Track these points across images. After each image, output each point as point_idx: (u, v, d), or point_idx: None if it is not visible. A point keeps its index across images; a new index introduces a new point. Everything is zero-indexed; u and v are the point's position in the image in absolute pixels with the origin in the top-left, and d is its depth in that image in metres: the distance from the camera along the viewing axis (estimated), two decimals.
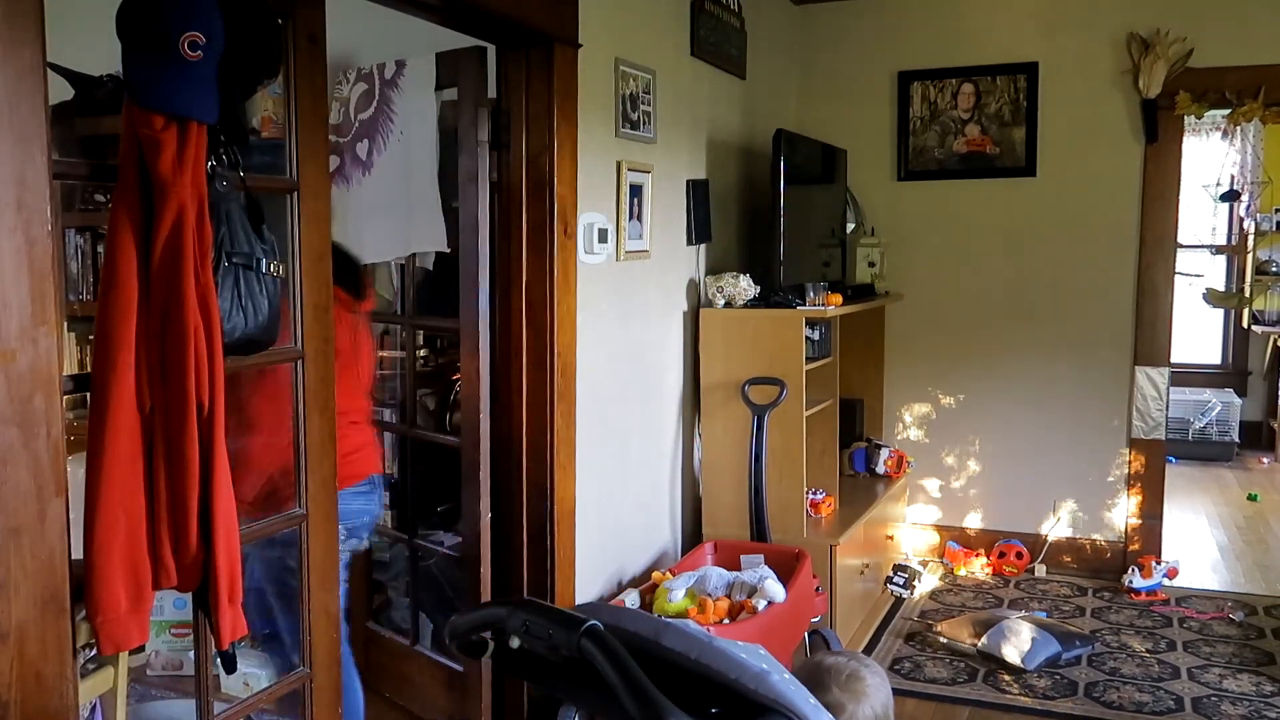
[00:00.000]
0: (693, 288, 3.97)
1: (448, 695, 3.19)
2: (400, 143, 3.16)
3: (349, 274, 2.72)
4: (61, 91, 3.05)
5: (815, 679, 1.73)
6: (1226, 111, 4.46)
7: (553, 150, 2.96)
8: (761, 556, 3.40)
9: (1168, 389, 4.63)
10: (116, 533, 1.73)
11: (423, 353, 3.53)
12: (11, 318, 1.55)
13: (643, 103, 3.47)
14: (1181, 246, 4.85)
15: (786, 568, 3.29)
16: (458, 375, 3.15)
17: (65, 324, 3.26)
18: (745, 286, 3.86)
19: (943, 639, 3.92)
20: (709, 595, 3.11)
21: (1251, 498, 6.16)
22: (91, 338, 1.76)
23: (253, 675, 3.14)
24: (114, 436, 1.72)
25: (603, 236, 3.23)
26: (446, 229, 3.07)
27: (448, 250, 3.08)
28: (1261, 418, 7.54)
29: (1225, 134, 5.81)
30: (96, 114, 2.97)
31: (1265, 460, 7.14)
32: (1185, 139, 4.60)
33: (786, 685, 1.19)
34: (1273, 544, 5.28)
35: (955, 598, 4.45)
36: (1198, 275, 7.17)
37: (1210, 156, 6.64)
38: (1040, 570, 4.75)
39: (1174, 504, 5.39)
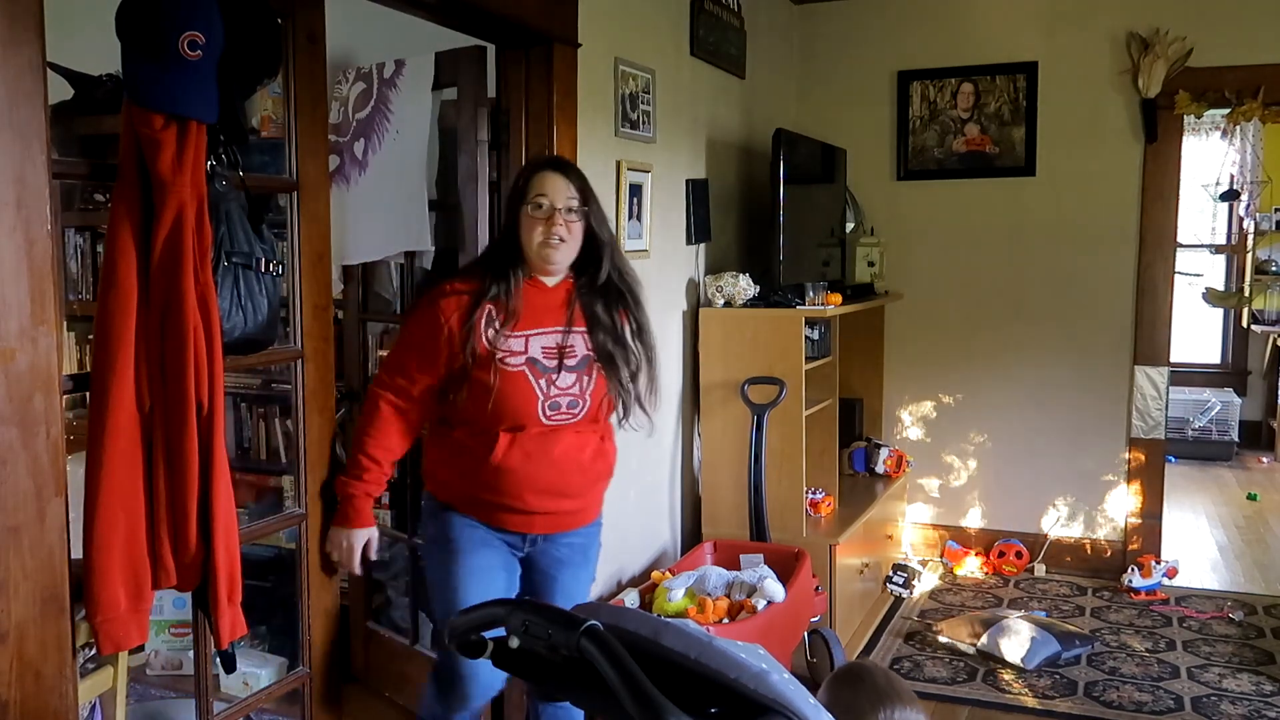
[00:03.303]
0: (692, 287, 3.97)
1: None
2: (395, 142, 3.16)
3: None
4: (61, 91, 3.05)
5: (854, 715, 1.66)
6: (1226, 111, 4.45)
7: (552, 149, 2.96)
8: (761, 556, 3.40)
9: (1167, 388, 4.63)
10: (116, 532, 1.73)
11: None
12: (11, 317, 1.56)
13: (642, 102, 3.47)
14: (1181, 246, 4.85)
15: (786, 567, 3.29)
16: None
17: (65, 324, 3.26)
18: (745, 286, 3.86)
19: (942, 638, 3.92)
20: (708, 595, 3.11)
21: (1251, 497, 6.16)
22: (91, 337, 1.76)
23: (252, 675, 3.14)
24: (114, 436, 1.72)
25: None
26: (441, 228, 3.07)
27: (430, 249, 3.08)
28: (1261, 417, 7.54)
29: (1225, 133, 5.80)
30: (96, 113, 2.96)
31: (1265, 460, 7.14)
32: (1185, 139, 4.60)
33: (786, 685, 1.19)
34: (1272, 544, 5.28)
35: (955, 597, 4.45)
36: (1197, 275, 7.17)
37: (1210, 156, 6.63)
38: (1040, 569, 4.75)
39: (1173, 503, 5.39)
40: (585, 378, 2.33)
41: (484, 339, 2.26)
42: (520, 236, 2.30)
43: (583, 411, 2.34)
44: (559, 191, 2.28)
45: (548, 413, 2.29)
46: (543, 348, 2.30)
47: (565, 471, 2.34)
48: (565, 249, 2.30)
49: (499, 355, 2.25)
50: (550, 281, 2.36)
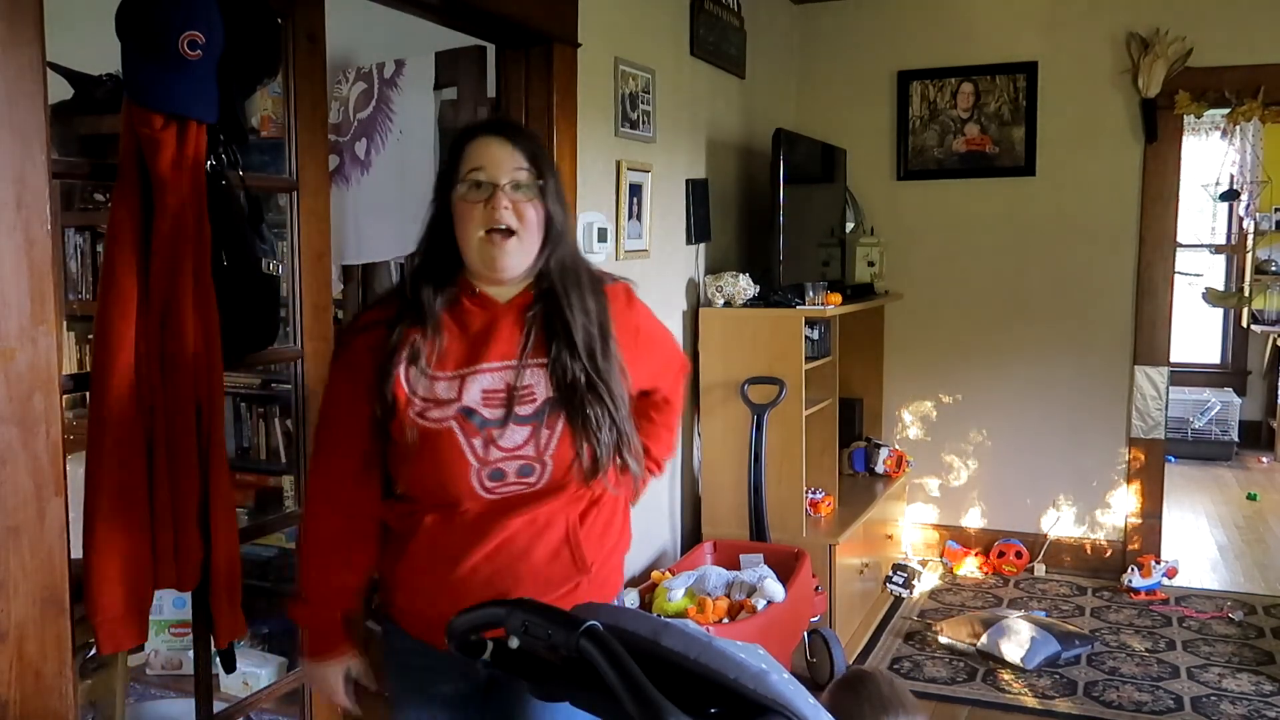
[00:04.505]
0: (692, 287, 3.97)
1: None
2: (399, 142, 3.16)
3: None
4: (61, 91, 3.05)
5: None
6: (1226, 111, 4.46)
7: (552, 149, 2.97)
8: (761, 556, 3.40)
9: (1167, 388, 4.63)
10: (116, 532, 1.73)
11: None
12: (11, 317, 1.56)
13: (642, 102, 3.47)
14: (1181, 246, 4.85)
15: (786, 567, 3.30)
16: None
17: (65, 323, 3.26)
18: (745, 286, 3.86)
19: (942, 638, 3.92)
20: (708, 595, 3.11)
21: (1251, 497, 6.16)
22: (91, 337, 1.77)
23: (252, 675, 3.14)
24: (114, 436, 1.72)
25: (602, 236, 3.23)
26: None
27: None
28: (1261, 417, 7.54)
29: (1224, 133, 5.80)
30: (96, 113, 2.96)
31: (1264, 460, 7.14)
32: (1184, 138, 4.60)
33: (786, 685, 1.19)
34: (1272, 544, 5.28)
35: (954, 597, 4.45)
36: (1197, 275, 7.17)
37: (1210, 156, 6.62)
38: (1039, 569, 4.75)
39: (1173, 503, 5.40)
40: (545, 431, 1.61)
41: (403, 381, 1.60)
42: (456, 232, 1.64)
43: (541, 479, 1.62)
44: (502, 163, 1.61)
45: (487, 484, 1.60)
46: (484, 391, 1.60)
47: (507, 570, 1.62)
48: (516, 244, 1.61)
49: (416, 407, 1.59)
50: (502, 294, 1.66)
